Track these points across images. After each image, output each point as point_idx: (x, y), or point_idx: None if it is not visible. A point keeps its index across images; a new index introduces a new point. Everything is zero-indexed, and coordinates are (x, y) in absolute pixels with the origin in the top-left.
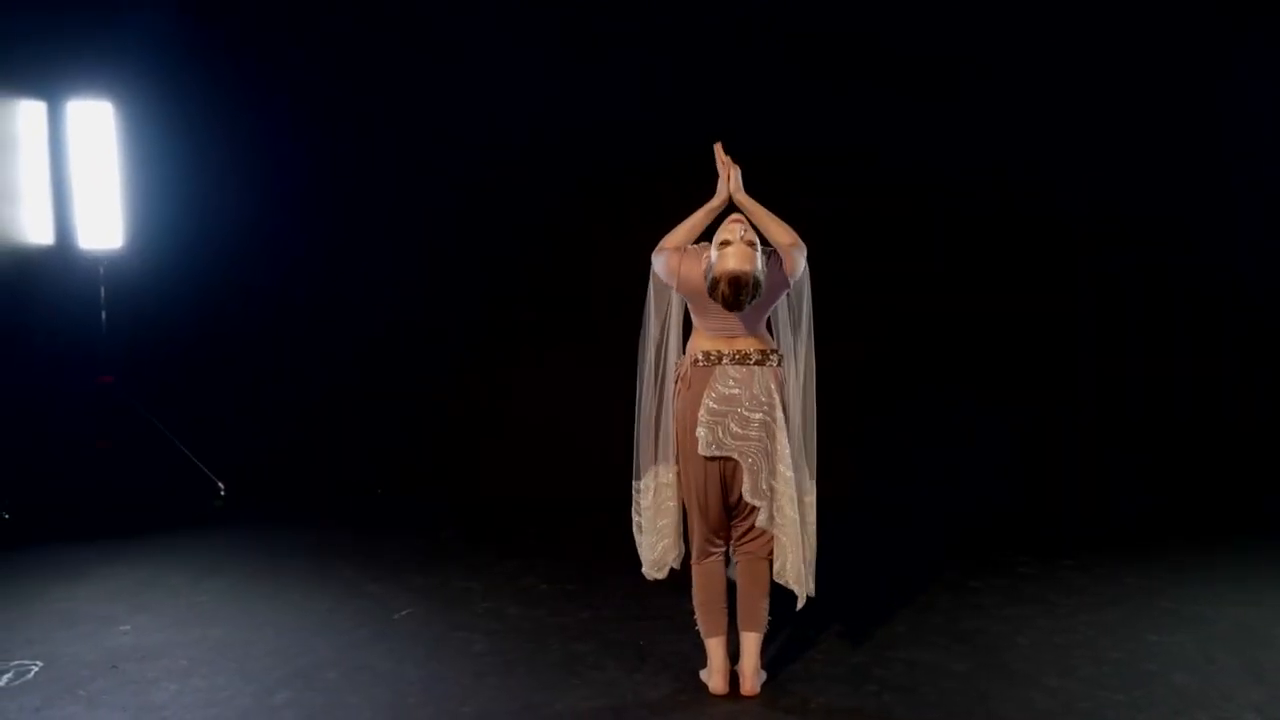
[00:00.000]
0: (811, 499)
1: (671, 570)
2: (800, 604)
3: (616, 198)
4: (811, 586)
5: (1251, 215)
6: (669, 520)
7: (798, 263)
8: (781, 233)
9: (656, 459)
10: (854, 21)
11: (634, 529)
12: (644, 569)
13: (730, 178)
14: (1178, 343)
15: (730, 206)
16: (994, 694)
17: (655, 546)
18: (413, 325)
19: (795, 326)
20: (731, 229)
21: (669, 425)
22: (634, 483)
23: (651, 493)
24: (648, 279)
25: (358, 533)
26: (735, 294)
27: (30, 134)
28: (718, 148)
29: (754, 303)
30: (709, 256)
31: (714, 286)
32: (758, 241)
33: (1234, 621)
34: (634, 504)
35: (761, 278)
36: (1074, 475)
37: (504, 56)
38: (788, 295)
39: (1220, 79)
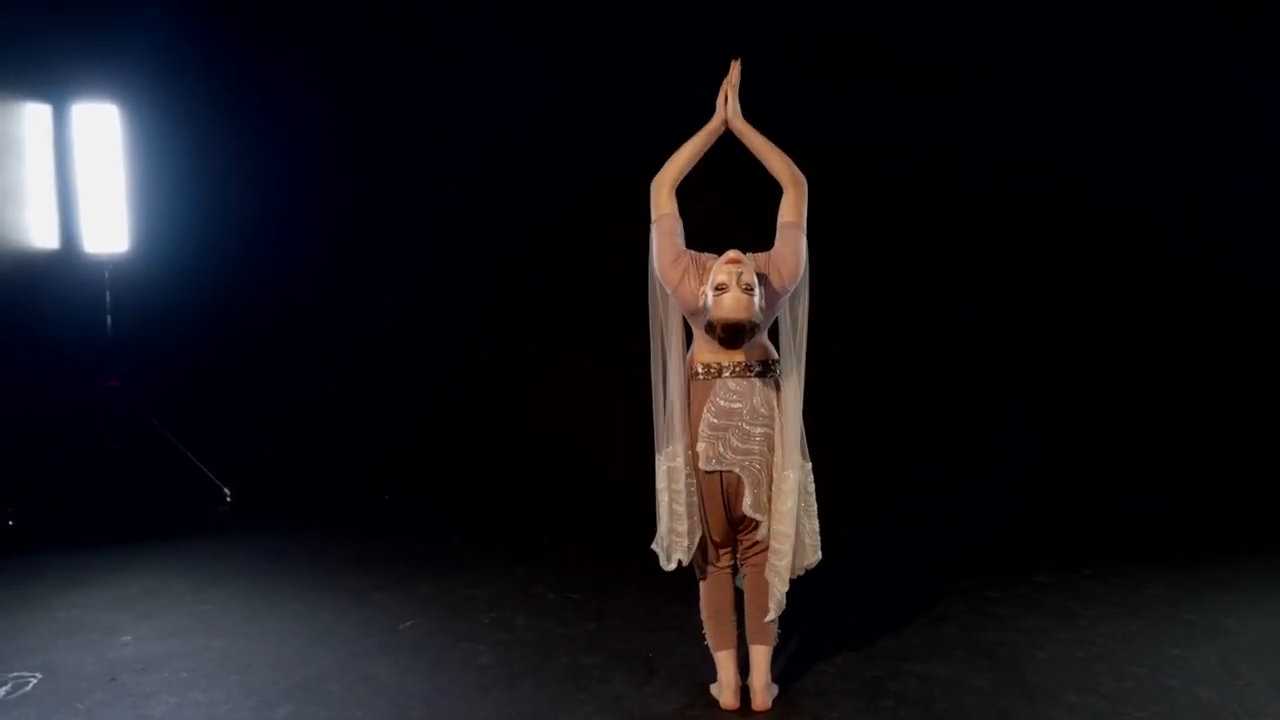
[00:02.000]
0: (807, 468)
1: (680, 564)
2: (774, 612)
3: (618, 198)
4: (815, 557)
5: (1252, 202)
6: (681, 507)
7: (799, 253)
8: (781, 165)
9: (669, 439)
10: (854, 21)
11: (656, 498)
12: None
13: (729, 101)
14: (1179, 340)
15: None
16: (1013, 710)
17: (666, 535)
18: (416, 326)
19: (793, 313)
20: (728, 271)
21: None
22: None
23: (665, 473)
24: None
25: (363, 538)
26: (732, 338)
27: (35, 137)
28: (735, 65)
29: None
30: (705, 293)
31: (710, 328)
32: (755, 284)
33: (1259, 634)
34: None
35: (760, 319)
36: (1084, 476)
37: (504, 56)
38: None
39: (1220, 78)
